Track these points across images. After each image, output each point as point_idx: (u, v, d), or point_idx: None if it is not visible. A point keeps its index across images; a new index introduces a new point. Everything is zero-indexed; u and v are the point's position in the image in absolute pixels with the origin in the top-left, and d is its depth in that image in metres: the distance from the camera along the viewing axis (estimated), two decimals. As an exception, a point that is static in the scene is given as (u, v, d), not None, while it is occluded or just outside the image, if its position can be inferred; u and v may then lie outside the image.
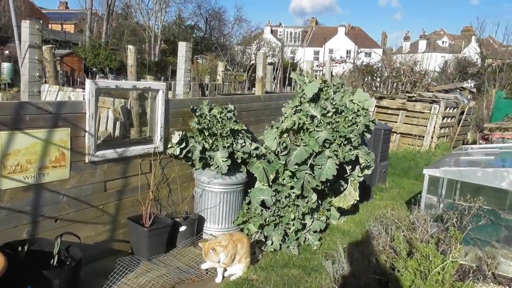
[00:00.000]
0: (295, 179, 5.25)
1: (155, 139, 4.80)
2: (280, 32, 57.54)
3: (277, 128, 5.41)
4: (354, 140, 4.80)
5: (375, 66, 16.78)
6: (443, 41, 57.85)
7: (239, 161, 5.21)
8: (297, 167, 4.93)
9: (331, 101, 4.93)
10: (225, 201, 5.09)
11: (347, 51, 54.87)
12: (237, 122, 5.21)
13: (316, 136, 4.83)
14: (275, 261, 4.55)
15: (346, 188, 5.32)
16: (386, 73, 14.87)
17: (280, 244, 4.76)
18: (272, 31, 55.70)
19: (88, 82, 3.99)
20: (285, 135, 5.44)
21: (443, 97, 11.68)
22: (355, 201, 5.29)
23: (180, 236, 4.78)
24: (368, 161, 4.93)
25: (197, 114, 5.08)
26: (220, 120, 5.07)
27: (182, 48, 5.09)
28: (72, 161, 4.00)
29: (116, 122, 5.59)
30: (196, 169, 5.23)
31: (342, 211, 5.79)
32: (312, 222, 5.03)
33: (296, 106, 5.48)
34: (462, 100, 12.05)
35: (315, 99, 5.21)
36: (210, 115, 5.08)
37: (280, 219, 4.86)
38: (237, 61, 35.93)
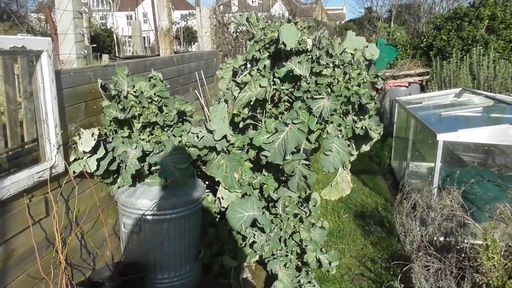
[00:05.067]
0: (265, 175, 3.60)
1: (47, 150, 2.45)
2: (85, -5, 50.84)
3: (226, 101, 3.55)
4: (368, 106, 3.31)
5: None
6: (252, 0, 59.77)
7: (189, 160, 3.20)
8: (289, 157, 3.21)
9: (329, 51, 3.27)
10: (183, 230, 3.09)
11: (163, 14, 51.87)
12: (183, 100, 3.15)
13: (316, 107, 3.17)
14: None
15: (338, 172, 3.83)
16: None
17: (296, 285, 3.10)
18: (75, -6, 48.46)
19: None
20: (246, 109, 3.63)
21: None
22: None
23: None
24: (380, 134, 3.53)
25: (112, 93, 2.84)
26: (156, 100, 2.94)
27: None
28: None
29: None
30: (119, 188, 3.04)
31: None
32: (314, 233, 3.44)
33: (246, 63, 3.71)
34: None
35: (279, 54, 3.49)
36: (135, 92, 2.90)
37: (285, 242, 3.15)
38: (39, 31, 30.10)
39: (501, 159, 5.62)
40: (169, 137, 2.97)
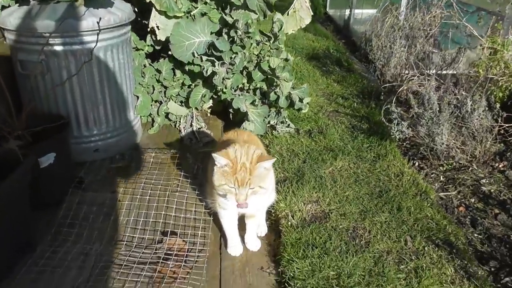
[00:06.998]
0: (206, 2, 2.76)
1: None
2: None
3: None
4: None
5: None
6: None
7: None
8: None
9: None
10: (111, 67, 2.23)
11: None
12: None
13: None
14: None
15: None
16: None
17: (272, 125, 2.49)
18: None
19: None
20: None
21: None
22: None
23: (46, 180, 1.84)
24: None
25: None
26: None
27: None
28: None
29: None
30: (3, 9, 2.01)
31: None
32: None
33: None
34: None
35: None
36: None
37: (249, 76, 2.45)
38: None
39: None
40: None
